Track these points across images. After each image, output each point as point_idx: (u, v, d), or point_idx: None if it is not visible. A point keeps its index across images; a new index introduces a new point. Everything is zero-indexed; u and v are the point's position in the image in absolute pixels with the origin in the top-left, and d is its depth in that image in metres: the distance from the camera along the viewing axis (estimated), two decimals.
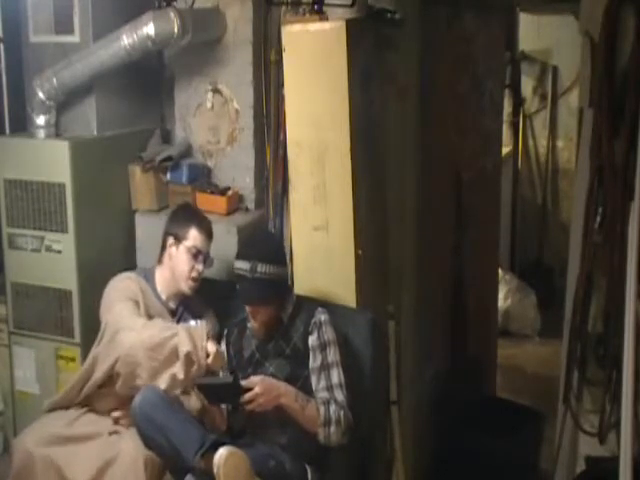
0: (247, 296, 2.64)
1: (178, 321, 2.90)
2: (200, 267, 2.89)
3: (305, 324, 2.67)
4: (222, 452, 2.36)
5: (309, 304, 2.75)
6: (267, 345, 2.70)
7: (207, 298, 3.03)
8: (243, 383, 2.48)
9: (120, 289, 2.89)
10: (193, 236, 2.88)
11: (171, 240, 2.91)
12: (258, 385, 2.46)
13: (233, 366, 2.76)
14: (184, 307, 2.96)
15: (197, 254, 2.88)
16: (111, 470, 2.63)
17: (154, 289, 2.93)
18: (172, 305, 2.94)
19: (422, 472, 3.38)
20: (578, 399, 2.73)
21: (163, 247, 2.93)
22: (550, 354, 4.83)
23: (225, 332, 2.84)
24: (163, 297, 2.93)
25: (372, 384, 2.82)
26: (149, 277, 2.95)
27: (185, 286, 2.89)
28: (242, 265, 2.62)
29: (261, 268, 2.59)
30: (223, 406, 2.76)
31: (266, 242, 2.84)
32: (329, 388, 2.60)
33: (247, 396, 2.45)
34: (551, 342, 5.08)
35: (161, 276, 2.94)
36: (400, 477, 3.03)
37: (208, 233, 2.93)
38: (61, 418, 2.84)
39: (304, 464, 2.59)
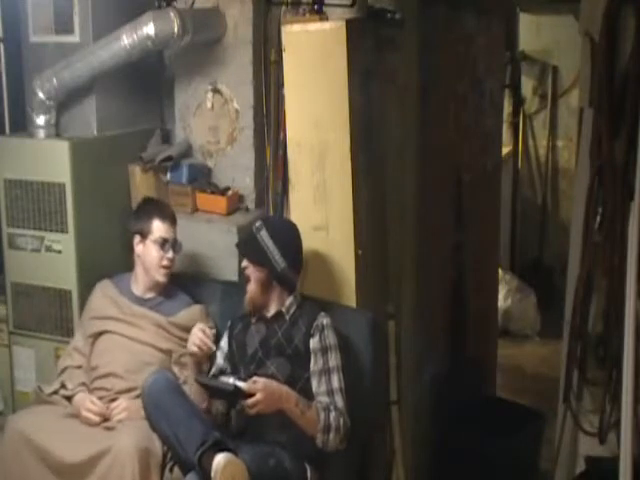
0: (240, 243, 2.86)
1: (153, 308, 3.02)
2: (170, 254, 2.97)
3: (307, 326, 2.68)
4: (220, 459, 2.36)
5: (312, 306, 2.76)
6: (269, 342, 2.71)
7: (204, 296, 3.08)
8: (245, 387, 2.46)
9: (81, 322, 3.08)
10: (157, 227, 2.96)
11: (137, 239, 2.99)
12: (260, 392, 2.45)
13: (235, 361, 2.77)
14: (162, 299, 3.02)
15: (164, 243, 2.95)
16: (104, 461, 2.63)
17: (127, 289, 3.03)
18: (149, 297, 3.02)
19: (422, 472, 3.38)
20: (578, 399, 2.73)
21: (132, 248, 3.01)
22: (550, 354, 4.83)
23: (229, 324, 2.85)
24: (138, 293, 3.02)
25: (372, 384, 2.82)
26: (122, 280, 3.07)
27: (158, 275, 2.98)
28: (257, 222, 2.76)
29: (264, 234, 2.71)
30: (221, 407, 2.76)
31: (284, 229, 2.83)
32: (329, 393, 2.60)
33: (249, 402, 2.45)
34: (551, 342, 5.07)
35: (134, 275, 3.04)
36: (400, 477, 3.03)
37: (171, 220, 3.00)
38: (59, 410, 2.88)
39: (304, 463, 2.59)
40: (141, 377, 2.80)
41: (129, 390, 2.86)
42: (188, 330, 2.93)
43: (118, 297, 3.02)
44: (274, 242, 2.71)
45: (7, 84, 3.61)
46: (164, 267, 2.96)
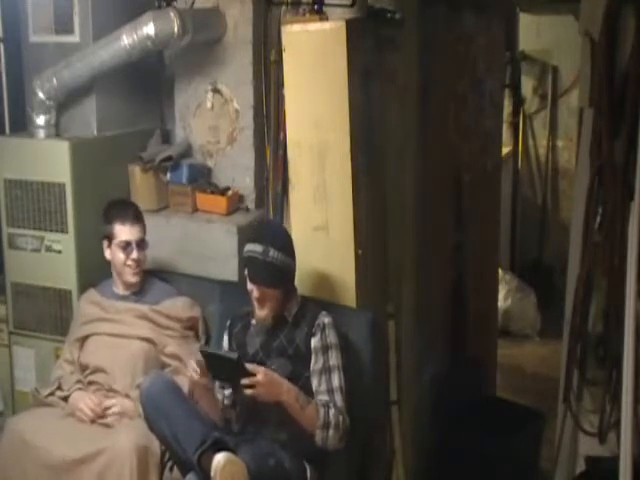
0: (258, 277, 2.63)
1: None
2: (134, 255, 3.00)
3: (309, 326, 2.67)
4: (220, 459, 2.36)
5: (314, 307, 2.75)
6: (271, 344, 2.70)
7: (204, 296, 3.11)
8: (247, 366, 2.46)
9: (71, 332, 3.12)
10: (118, 231, 2.99)
11: (105, 243, 3.03)
12: (260, 373, 2.45)
13: None
14: (143, 292, 3.09)
15: (126, 246, 2.99)
16: (102, 459, 2.65)
17: (110, 291, 3.10)
18: (129, 293, 3.08)
19: (422, 472, 3.38)
20: (578, 399, 2.73)
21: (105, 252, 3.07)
22: (550, 354, 4.82)
23: (228, 323, 2.84)
24: (120, 292, 3.08)
25: (372, 384, 2.82)
26: (105, 285, 3.13)
27: (128, 276, 3.03)
28: (254, 247, 2.63)
29: (273, 253, 2.61)
30: (221, 396, 2.75)
31: (279, 232, 2.83)
32: (329, 391, 2.60)
33: (249, 380, 2.43)
34: (551, 342, 5.07)
35: (113, 278, 3.10)
36: (400, 477, 3.03)
37: (132, 220, 3.02)
38: (57, 412, 2.91)
39: (303, 462, 2.59)
40: (128, 371, 2.88)
41: (119, 388, 2.90)
42: (173, 319, 3.01)
43: (102, 300, 3.08)
44: (283, 253, 2.64)
45: (7, 84, 3.61)
46: (128, 266, 3.00)
